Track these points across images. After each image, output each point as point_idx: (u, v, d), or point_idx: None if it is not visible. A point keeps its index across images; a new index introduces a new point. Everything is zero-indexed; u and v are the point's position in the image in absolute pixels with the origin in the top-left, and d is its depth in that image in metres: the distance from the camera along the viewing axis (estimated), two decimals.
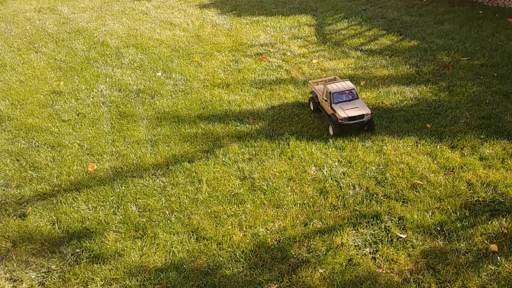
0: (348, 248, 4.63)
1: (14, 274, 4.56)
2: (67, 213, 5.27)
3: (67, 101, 7.62)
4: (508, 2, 10.92)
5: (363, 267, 4.44)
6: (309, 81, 7.11)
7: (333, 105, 6.32)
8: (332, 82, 6.73)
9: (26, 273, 4.57)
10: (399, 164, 5.76)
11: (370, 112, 6.23)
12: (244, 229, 4.95)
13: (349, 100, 6.38)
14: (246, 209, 5.18)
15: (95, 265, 4.60)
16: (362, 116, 6.18)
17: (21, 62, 9.14)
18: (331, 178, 5.59)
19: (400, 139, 6.20)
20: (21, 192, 5.64)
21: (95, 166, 6.02)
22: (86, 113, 7.24)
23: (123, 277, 4.46)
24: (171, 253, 4.70)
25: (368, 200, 5.22)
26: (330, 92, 6.34)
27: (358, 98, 6.46)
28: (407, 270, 4.39)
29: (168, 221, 5.08)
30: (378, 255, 4.56)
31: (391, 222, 4.91)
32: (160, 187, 5.58)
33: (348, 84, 6.48)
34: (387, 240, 4.71)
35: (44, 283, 4.47)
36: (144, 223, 5.07)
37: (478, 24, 9.73)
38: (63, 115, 7.21)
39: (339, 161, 5.88)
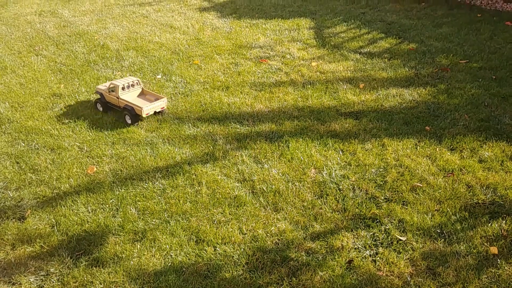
0: (348, 250, 4.63)
1: (13, 277, 4.55)
2: (66, 215, 5.26)
3: (67, 103, 7.62)
4: (506, 6, 10.95)
5: (363, 270, 4.43)
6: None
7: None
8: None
9: (24, 276, 4.55)
10: (398, 166, 5.76)
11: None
12: (244, 231, 4.94)
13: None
14: (245, 212, 5.18)
15: (94, 268, 4.59)
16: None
17: (21, 65, 9.15)
18: (331, 180, 5.59)
19: (400, 142, 6.20)
20: (20, 194, 5.63)
21: (95, 169, 6.02)
22: (86, 115, 7.24)
23: (123, 280, 4.45)
24: (171, 256, 4.69)
25: (367, 203, 5.22)
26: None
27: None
28: (407, 273, 4.38)
29: (168, 223, 5.07)
30: (378, 258, 4.55)
31: (391, 225, 4.91)
32: (160, 189, 5.58)
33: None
34: (387, 243, 4.71)
35: (43, 286, 4.45)
36: (144, 226, 5.06)
37: (476, 27, 9.76)
38: (63, 118, 7.21)
39: (338, 163, 5.88)
